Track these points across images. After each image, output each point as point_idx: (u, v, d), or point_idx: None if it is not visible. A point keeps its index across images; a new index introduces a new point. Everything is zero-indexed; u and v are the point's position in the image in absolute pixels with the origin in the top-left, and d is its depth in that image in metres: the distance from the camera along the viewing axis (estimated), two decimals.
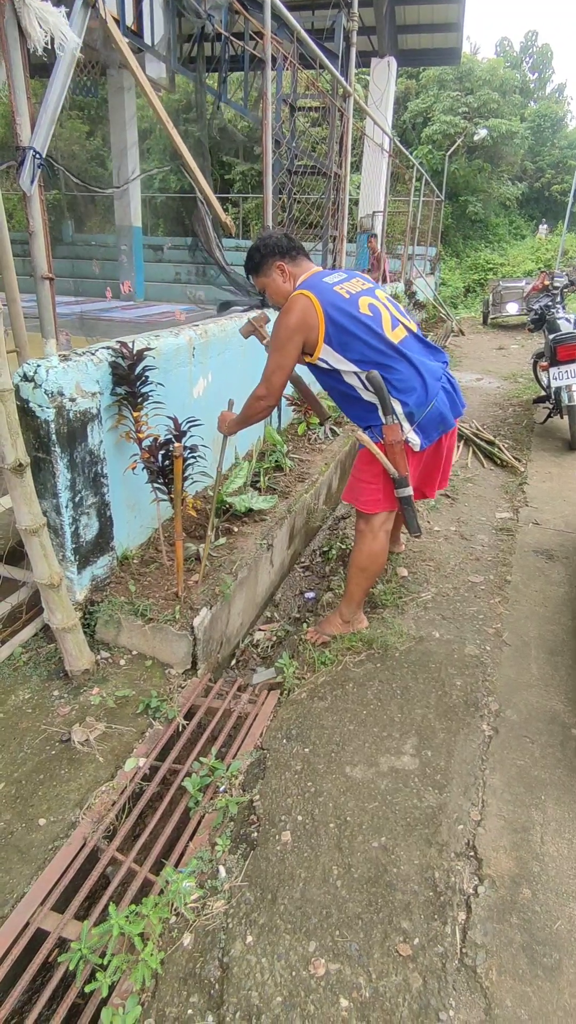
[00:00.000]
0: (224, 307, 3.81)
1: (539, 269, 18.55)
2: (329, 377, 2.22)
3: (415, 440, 2.17)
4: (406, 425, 2.15)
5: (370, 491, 2.26)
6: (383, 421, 2.13)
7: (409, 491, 2.22)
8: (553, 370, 4.81)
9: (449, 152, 19.66)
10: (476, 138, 20.26)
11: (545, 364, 5.14)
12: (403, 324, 2.22)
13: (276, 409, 4.07)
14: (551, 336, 4.97)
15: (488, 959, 1.37)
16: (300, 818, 1.70)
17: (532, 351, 6.44)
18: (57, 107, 1.89)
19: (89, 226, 15.08)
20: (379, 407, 2.14)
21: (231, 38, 4.55)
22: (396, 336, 2.15)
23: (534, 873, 1.57)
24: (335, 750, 1.93)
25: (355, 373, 2.13)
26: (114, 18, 4.12)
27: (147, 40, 4.90)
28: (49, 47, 1.79)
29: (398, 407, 2.12)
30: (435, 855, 1.60)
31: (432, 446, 2.27)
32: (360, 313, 2.10)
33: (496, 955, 1.38)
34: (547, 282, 6.02)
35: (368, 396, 2.16)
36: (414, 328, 2.26)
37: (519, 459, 4.61)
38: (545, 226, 22.75)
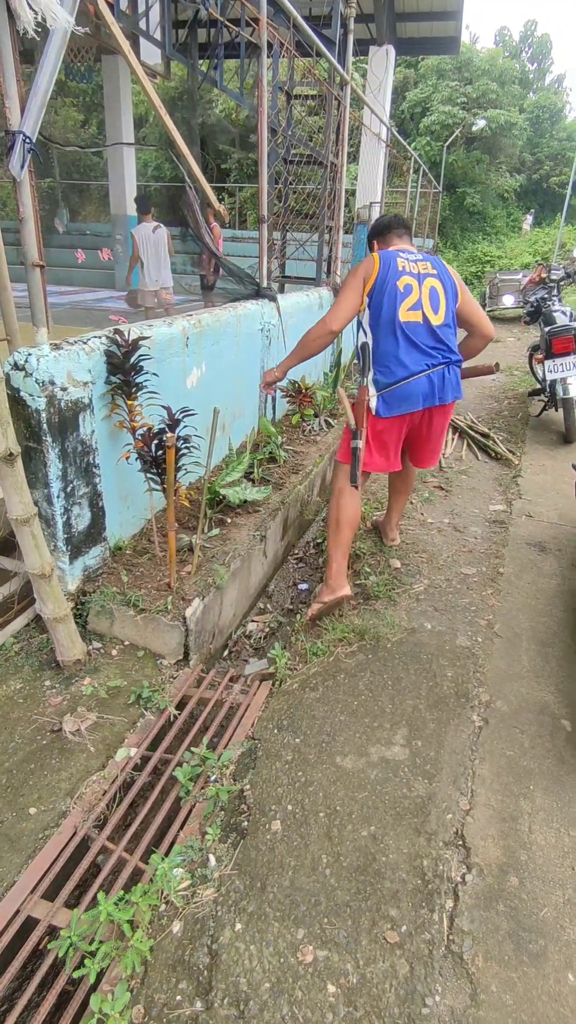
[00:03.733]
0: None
1: (536, 262, 18.49)
2: (358, 333, 2.54)
3: (374, 405, 2.44)
4: (372, 390, 2.43)
5: (342, 443, 2.60)
6: (363, 381, 2.45)
7: (359, 444, 2.44)
8: (548, 363, 4.80)
9: (447, 143, 19.53)
10: (475, 129, 20.12)
11: (541, 357, 5.14)
12: (424, 312, 2.40)
13: (272, 400, 4.07)
14: (547, 329, 4.96)
15: (475, 946, 1.38)
16: (290, 807, 1.71)
17: (528, 344, 6.43)
18: (47, 90, 1.86)
19: (84, 215, 14.97)
20: (363, 370, 2.46)
21: (227, 24, 4.50)
22: (407, 317, 2.37)
23: (521, 861, 1.58)
24: (326, 740, 1.94)
25: (364, 335, 2.46)
26: (107, 1, 4.06)
27: (141, 25, 4.84)
28: (40, 29, 1.76)
29: (370, 374, 2.43)
30: (424, 844, 1.61)
31: (401, 419, 2.48)
32: (394, 287, 2.37)
33: (483, 942, 1.39)
34: (544, 275, 6.00)
35: (362, 360, 2.49)
36: (437, 321, 2.42)
37: (513, 452, 4.62)
38: (530, 217, 22.63)
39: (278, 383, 2.91)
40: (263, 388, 2.93)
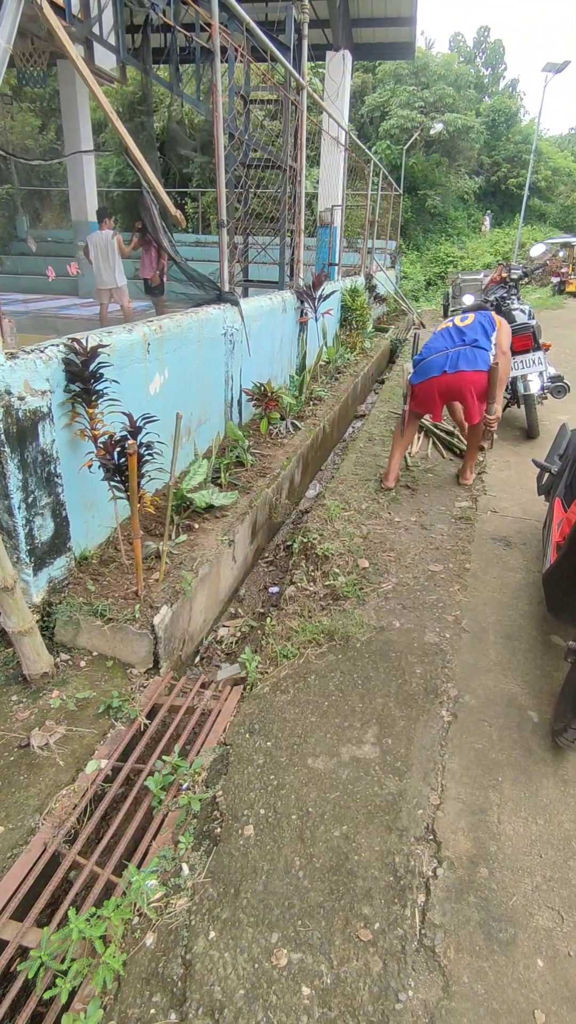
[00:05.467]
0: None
1: (498, 262, 18.86)
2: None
3: (410, 373, 3.69)
4: (408, 366, 3.81)
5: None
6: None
7: (405, 407, 3.74)
8: None
9: (407, 146, 19.82)
10: (433, 132, 20.47)
11: None
12: (453, 322, 3.65)
13: (237, 405, 4.07)
14: None
15: (446, 938, 1.40)
16: (263, 811, 1.71)
17: None
18: None
19: (45, 222, 14.75)
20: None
21: (180, 29, 4.49)
22: (440, 327, 3.70)
23: (491, 852, 1.61)
24: (297, 742, 1.94)
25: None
26: (58, 5, 4.01)
27: (95, 29, 4.80)
28: None
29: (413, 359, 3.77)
30: (395, 840, 1.62)
31: (429, 383, 3.50)
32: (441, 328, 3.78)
33: (454, 934, 1.41)
34: (504, 274, 6.11)
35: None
36: (463, 324, 3.56)
37: None
38: (488, 219, 23.18)
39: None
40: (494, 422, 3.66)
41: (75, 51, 2.29)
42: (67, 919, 1.44)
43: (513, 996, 1.29)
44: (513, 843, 1.63)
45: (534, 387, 4.78)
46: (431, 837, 1.64)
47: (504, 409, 5.49)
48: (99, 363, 2.31)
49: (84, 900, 1.53)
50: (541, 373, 4.82)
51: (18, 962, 1.41)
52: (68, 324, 7.30)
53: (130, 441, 2.17)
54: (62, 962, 1.36)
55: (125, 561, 2.56)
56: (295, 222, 5.28)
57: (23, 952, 1.44)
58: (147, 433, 2.30)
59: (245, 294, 5.18)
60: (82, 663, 2.24)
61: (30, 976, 1.34)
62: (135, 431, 2.25)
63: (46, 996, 1.32)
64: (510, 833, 1.66)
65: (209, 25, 3.62)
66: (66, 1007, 1.31)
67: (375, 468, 4.12)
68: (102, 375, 2.32)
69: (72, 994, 1.33)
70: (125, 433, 2.26)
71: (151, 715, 2.11)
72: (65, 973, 1.34)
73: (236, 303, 3.81)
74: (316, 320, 5.70)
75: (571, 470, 2.62)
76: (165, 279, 6.52)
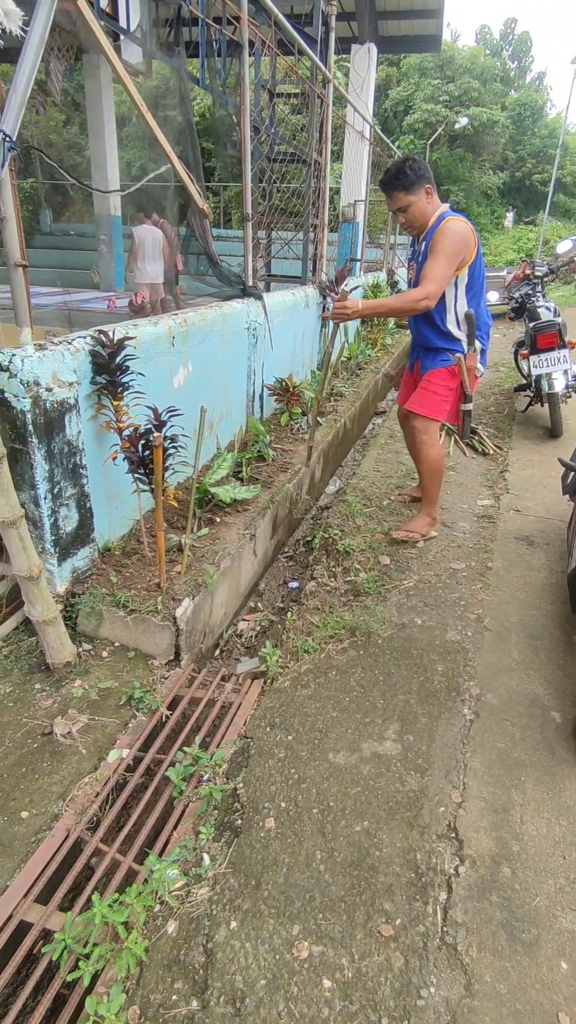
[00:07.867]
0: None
1: (521, 258, 18.63)
2: (440, 300, 2.63)
3: (480, 368, 2.82)
4: (480, 357, 2.78)
5: (441, 403, 2.84)
6: (466, 350, 2.72)
7: (471, 406, 2.87)
8: (533, 358, 4.83)
9: (430, 141, 19.63)
10: (457, 126, 20.25)
11: (526, 352, 5.17)
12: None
13: (259, 399, 4.07)
14: (531, 324, 4.99)
15: (468, 937, 1.39)
16: (284, 804, 1.71)
17: (513, 340, 6.47)
18: (27, 90, 1.85)
19: (67, 215, 14.86)
20: (465, 340, 2.71)
21: (209, 23, 4.47)
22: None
23: (514, 852, 1.59)
24: (318, 737, 1.94)
25: (457, 309, 2.68)
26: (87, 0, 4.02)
27: (123, 24, 4.81)
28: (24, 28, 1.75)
29: (478, 344, 2.75)
30: (417, 837, 1.62)
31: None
32: (483, 264, 2.70)
33: (476, 932, 1.40)
34: (528, 271, 6.03)
35: (457, 332, 2.71)
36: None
37: (500, 447, 4.65)
38: (510, 215, 22.90)
39: (346, 320, 2.71)
40: (327, 314, 3.04)
41: (111, 48, 2.29)
42: (90, 904, 1.46)
43: (536, 997, 1.28)
44: (536, 843, 1.62)
45: (559, 386, 4.73)
46: (453, 835, 1.63)
47: (527, 408, 5.44)
48: (125, 355, 2.32)
49: (106, 886, 1.55)
50: (566, 372, 4.75)
51: (42, 944, 1.43)
52: (91, 317, 7.35)
53: (156, 434, 2.18)
54: (84, 946, 1.37)
55: (148, 553, 2.57)
56: (319, 217, 5.26)
57: (46, 935, 1.46)
58: (171, 426, 2.31)
59: (267, 289, 5.18)
60: (104, 653, 2.26)
61: (54, 958, 1.36)
62: (160, 424, 2.26)
63: (69, 978, 1.33)
64: (533, 833, 1.65)
65: (236, 18, 3.61)
66: (89, 990, 1.33)
67: (396, 465, 4.10)
68: (128, 367, 2.33)
69: (95, 977, 1.34)
70: (150, 426, 2.28)
71: (172, 706, 2.13)
72: (88, 957, 1.36)
73: (260, 298, 3.81)
74: None
75: None
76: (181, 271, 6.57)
